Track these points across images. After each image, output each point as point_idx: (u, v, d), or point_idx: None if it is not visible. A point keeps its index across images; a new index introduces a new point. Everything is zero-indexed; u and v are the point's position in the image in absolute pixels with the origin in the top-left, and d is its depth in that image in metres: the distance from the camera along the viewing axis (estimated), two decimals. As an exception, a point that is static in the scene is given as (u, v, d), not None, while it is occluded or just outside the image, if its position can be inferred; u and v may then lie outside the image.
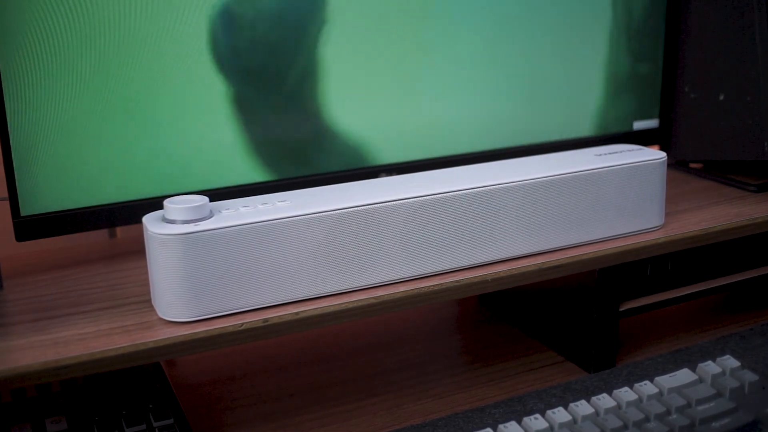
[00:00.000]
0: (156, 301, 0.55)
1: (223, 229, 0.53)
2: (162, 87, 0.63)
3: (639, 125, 0.87)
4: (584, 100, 0.83)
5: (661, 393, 0.62)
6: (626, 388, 0.62)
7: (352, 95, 0.71)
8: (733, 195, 0.80)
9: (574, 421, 0.59)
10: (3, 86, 0.58)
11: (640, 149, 0.69)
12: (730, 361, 0.65)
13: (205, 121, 0.66)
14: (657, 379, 0.63)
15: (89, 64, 0.61)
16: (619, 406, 0.60)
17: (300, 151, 0.70)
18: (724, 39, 0.83)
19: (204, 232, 0.52)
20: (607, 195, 0.65)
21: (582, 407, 0.60)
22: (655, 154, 0.68)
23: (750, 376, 0.64)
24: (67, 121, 0.61)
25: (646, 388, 0.62)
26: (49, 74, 0.60)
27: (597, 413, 0.59)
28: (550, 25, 0.78)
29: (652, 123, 0.88)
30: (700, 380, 0.64)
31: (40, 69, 0.59)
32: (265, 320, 0.55)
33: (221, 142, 0.67)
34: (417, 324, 0.83)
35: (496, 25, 0.75)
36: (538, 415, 0.59)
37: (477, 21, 0.74)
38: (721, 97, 0.84)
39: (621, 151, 0.68)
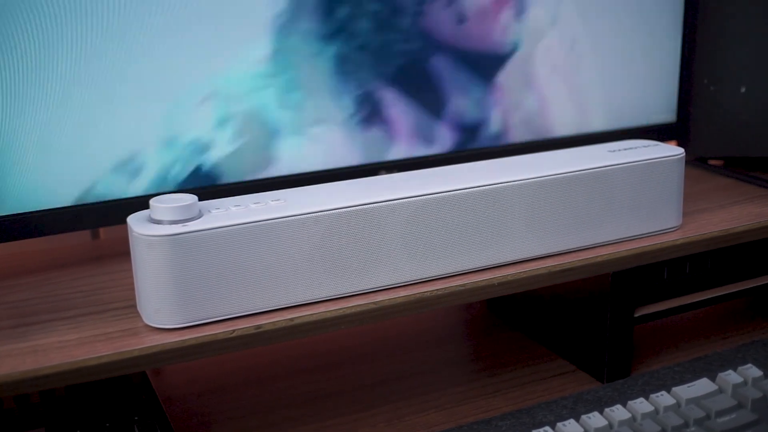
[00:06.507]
0: (142, 306, 0.55)
1: (213, 230, 0.53)
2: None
3: (655, 119, 0.87)
4: (597, 93, 0.83)
5: (678, 404, 0.62)
6: (641, 399, 0.62)
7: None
8: (756, 193, 0.79)
9: (587, 434, 0.59)
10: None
11: (657, 145, 0.69)
12: (752, 370, 0.65)
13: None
14: (674, 389, 0.63)
15: (65, 57, 0.61)
16: (634, 419, 0.60)
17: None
18: (746, 27, 0.83)
19: (193, 233, 0.52)
20: (621, 194, 0.65)
21: (594, 419, 0.59)
22: (672, 150, 0.68)
23: (773, 387, 0.64)
24: (45, 117, 0.61)
25: (663, 398, 0.62)
26: (22, 68, 0.60)
27: (610, 426, 0.59)
28: (563, 17, 0.78)
29: (669, 117, 0.88)
30: (720, 390, 0.64)
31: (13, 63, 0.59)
32: (258, 327, 0.55)
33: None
34: (420, 330, 0.83)
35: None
36: (547, 428, 0.59)
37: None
38: (743, 90, 0.84)
39: (636, 147, 0.68)
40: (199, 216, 0.54)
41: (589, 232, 0.65)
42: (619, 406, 0.61)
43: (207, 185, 0.68)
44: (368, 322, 0.58)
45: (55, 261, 0.68)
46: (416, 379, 0.73)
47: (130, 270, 0.55)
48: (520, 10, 0.76)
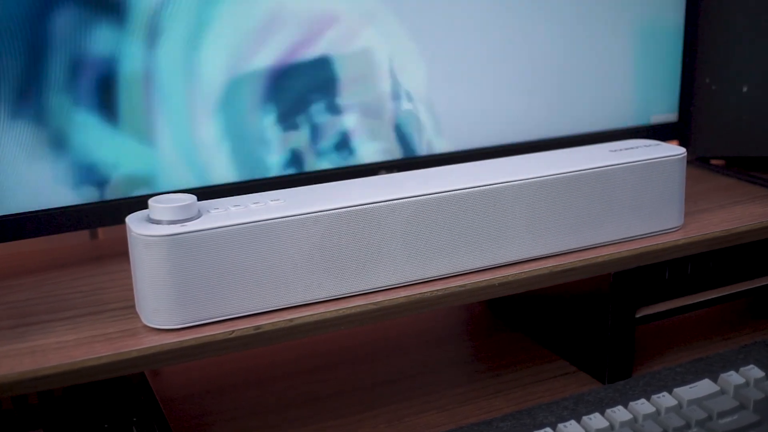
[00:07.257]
0: (140, 307, 0.55)
1: (212, 230, 0.53)
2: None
3: (657, 119, 0.87)
4: (598, 92, 0.83)
5: (680, 405, 0.62)
6: (643, 400, 0.62)
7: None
8: (757, 193, 0.79)
9: (588, 435, 0.59)
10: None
11: (658, 144, 0.69)
12: (754, 371, 0.65)
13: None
14: (676, 390, 0.63)
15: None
16: (635, 420, 0.60)
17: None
18: (747, 26, 0.83)
19: (192, 233, 0.52)
20: (622, 194, 0.65)
21: (595, 420, 0.59)
22: (673, 150, 0.67)
23: (775, 387, 0.64)
24: (42, 115, 0.61)
25: (664, 399, 0.62)
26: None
27: (612, 427, 0.59)
28: (563, 16, 0.78)
29: (670, 116, 0.88)
30: (722, 391, 0.64)
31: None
32: (258, 327, 0.55)
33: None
34: (420, 331, 0.83)
35: (508, 18, 0.75)
36: (548, 429, 0.59)
37: (492, 13, 0.74)
38: (745, 89, 0.84)
39: (637, 147, 0.68)
40: (198, 216, 0.54)
41: (589, 232, 0.65)
42: (620, 407, 0.61)
43: (207, 185, 0.68)
44: (368, 323, 0.58)
45: (54, 261, 0.68)
46: (416, 380, 0.73)
47: (129, 270, 0.55)
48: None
